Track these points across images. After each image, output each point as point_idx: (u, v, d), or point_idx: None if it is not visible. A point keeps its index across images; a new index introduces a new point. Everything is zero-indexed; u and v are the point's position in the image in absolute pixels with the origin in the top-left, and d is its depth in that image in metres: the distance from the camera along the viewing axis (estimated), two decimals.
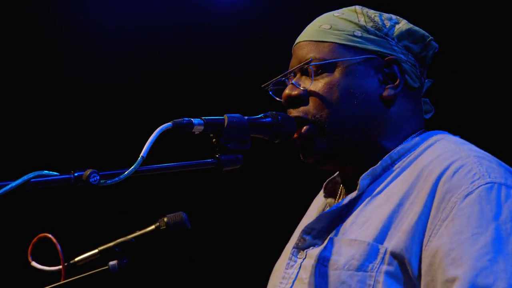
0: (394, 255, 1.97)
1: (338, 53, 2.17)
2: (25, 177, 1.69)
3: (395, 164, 2.13)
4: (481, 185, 1.95)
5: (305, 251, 2.13)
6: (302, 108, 2.17)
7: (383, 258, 1.98)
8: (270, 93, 2.29)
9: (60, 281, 1.96)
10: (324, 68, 2.17)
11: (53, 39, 4.55)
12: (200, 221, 2.98)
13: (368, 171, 2.13)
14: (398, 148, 2.15)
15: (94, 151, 4.66)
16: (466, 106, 4.22)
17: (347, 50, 2.18)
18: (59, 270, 1.95)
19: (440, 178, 1.99)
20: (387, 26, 2.21)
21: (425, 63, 2.25)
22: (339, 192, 2.29)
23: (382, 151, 2.16)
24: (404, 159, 2.13)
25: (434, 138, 2.16)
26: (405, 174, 2.09)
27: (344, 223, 2.10)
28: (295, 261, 2.14)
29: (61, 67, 4.61)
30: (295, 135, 2.18)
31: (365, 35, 2.18)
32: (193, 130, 1.98)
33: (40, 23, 4.49)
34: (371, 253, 1.99)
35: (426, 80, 2.27)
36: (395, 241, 1.98)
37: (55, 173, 1.75)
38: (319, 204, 2.34)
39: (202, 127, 1.98)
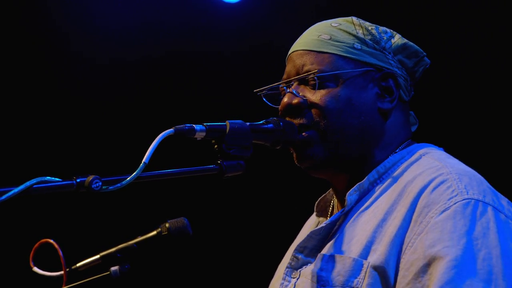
0: (375, 268, 2.00)
1: (338, 65, 2.19)
2: (28, 183, 1.69)
3: (382, 178, 2.16)
4: (458, 201, 1.97)
5: (298, 270, 2.15)
6: (302, 117, 2.19)
7: (365, 273, 2.00)
8: (264, 99, 2.30)
9: (62, 287, 1.96)
10: (325, 79, 2.19)
11: (56, 44, 4.56)
12: (202, 227, 2.97)
13: (355, 186, 2.15)
14: (385, 162, 2.18)
15: (96, 157, 4.66)
16: (450, 116, 4.24)
17: (346, 62, 2.19)
18: (61, 275, 1.95)
19: (421, 194, 2.02)
20: (384, 39, 2.23)
21: (414, 78, 2.28)
22: (330, 209, 2.31)
23: (374, 163, 2.19)
24: (390, 173, 2.15)
25: (420, 152, 2.19)
26: (391, 190, 2.11)
27: (333, 239, 2.12)
28: (289, 281, 2.16)
29: (63, 71, 4.61)
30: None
31: (364, 47, 2.21)
32: (195, 136, 1.98)
33: (41, 26, 4.49)
34: (356, 269, 2.02)
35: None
36: (376, 255, 2.01)
37: (58, 179, 1.75)
38: (311, 223, 2.36)
39: (204, 133, 1.99)
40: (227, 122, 2.03)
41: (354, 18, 2.27)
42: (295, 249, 2.17)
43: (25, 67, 4.55)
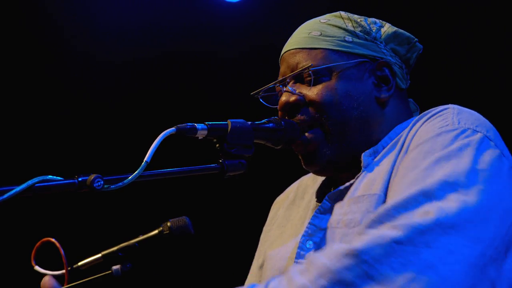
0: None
1: (332, 59, 2.19)
2: (30, 182, 1.69)
3: (394, 142, 2.13)
4: (447, 129, 1.94)
5: (311, 238, 2.13)
6: (301, 114, 2.19)
7: None
8: (261, 100, 2.30)
9: (63, 286, 1.96)
10: (320, 74, 2.19)
11: (58, 44, 4.56)
12: (203, 226, 2.98)
13: (370, 149, 2.14)
14: (395, 128, 2.17)
15: (98, 156, 4.67)
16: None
17: (339, 56, 2.20)
18: (63, 274, 1.95)
19: (422, 125, 2.02)
20: (373, 30, 2.24)
21: (409, 65, 2.29)
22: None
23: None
24: (402, 133, 2.12)
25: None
26: (403, 138, 2.10)
27: (349, 193, 2.10)
28: (306, 250, 2.14)
29: (65, 71, 4.62)
30: (298, 142, 2.18)
31: (356, 40, 2.21)
32: (196, 135, 1.98)
33: (41, 25, 4.50)
34: (382, 203, 1.98)
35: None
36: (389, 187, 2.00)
37: (59, 178, 1.75)
38: (309, 205, 2.32)
39: (205, 132, 1.99)
40: (229, 121, 2.03)
41: (342, 12, 2.28)
42: (313, 216, 2.15)
43: (26, 67, 4.56)
